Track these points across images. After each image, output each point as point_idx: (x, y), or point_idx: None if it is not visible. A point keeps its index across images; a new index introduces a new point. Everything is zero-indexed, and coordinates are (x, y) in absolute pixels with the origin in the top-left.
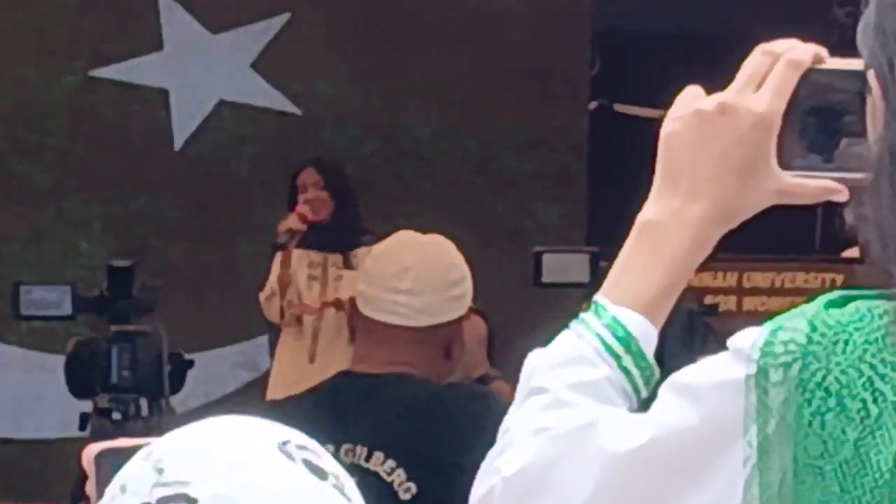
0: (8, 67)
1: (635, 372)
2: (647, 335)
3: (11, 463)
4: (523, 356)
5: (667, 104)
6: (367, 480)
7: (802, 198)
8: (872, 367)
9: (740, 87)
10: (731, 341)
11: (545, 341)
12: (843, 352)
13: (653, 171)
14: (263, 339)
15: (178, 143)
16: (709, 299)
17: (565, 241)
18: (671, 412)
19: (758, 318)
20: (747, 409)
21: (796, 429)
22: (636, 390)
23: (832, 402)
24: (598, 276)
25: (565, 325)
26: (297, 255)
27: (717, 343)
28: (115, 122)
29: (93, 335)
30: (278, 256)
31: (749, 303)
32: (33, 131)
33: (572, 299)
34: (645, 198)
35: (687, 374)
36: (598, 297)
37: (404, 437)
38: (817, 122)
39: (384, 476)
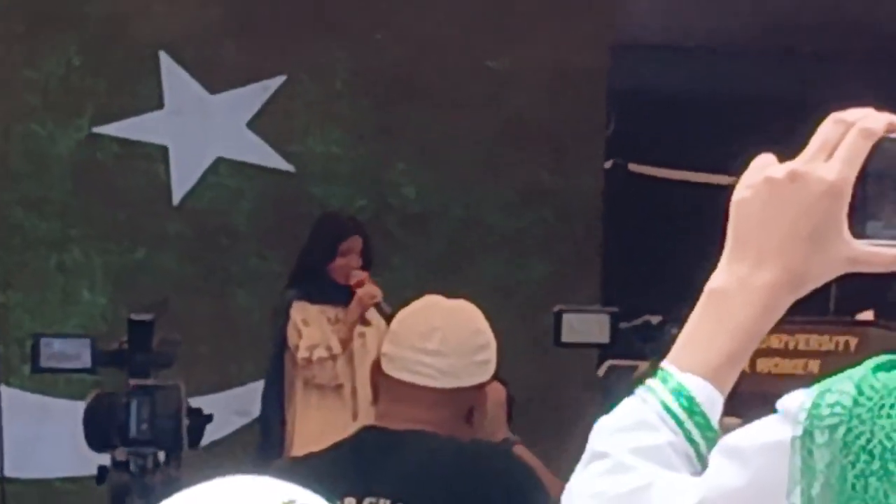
0: (15, 123)
1: (699, 437)
2: (712, 401)
3: None
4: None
5: (682, 164)
6: None
7: (875, 266)
8: None
9: (811, 155)
10: (780, 403)
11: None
12: (889, 416)
13: (667, 231)
14: (255, 385)
15: (176, 198)
16: None
17: (581, 301)
18: (720, 474)
19: (770, 379)
20: (792, 470)
21: (840, 491)
22: (699, 456)
23: (876, 465)
24: (617, 337)
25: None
26: (313, 310)
27: (728, 403)
28: (117, 176)
29: (111, 389)
30: (301, 308)
31: (762, 364)
32: (38, 184)
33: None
34: (662, 258)
35: (735, 436)
36: (665, 363)
37: (428, 490)
38: (890, 191)
39: None
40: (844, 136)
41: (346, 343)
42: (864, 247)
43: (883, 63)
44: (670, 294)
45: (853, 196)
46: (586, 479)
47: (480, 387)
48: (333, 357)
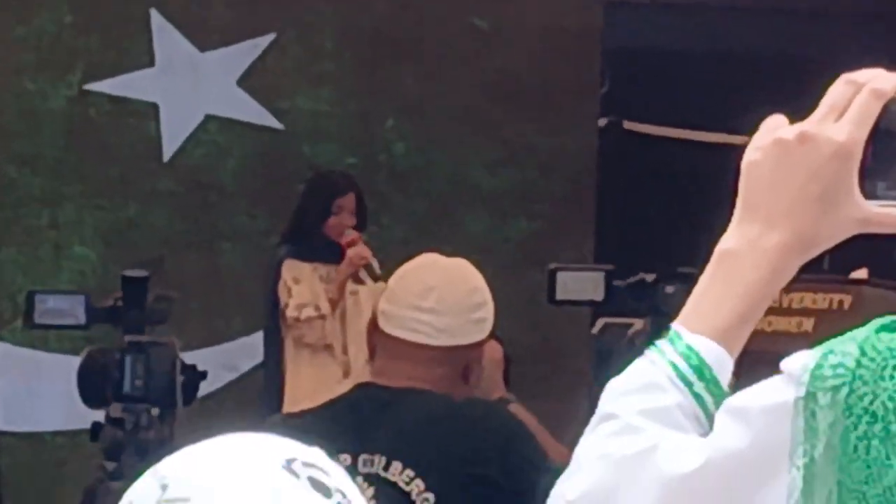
0: (7, 80)
1: (708, 398)
2: (721, 362)
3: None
4: None
5: (677, 122)
6: (386, 490)
7: (887, 227)
8: None
9: (821, 116)
10: (784, 364)
11: None
12: (892, 377)
13: (661, 189)
14: (244, 341)
15: (166, 155)
16: None
17: (575, 259)
18: (724, 435)
19: (764, 337)
20: (795, 431)
21: (842, 453)
22: (708, 416)
23: (878, 427)
24: (612, 295)
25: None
26: (305, 268)
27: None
28: (108, 133)
29: (106, 345)
30: (293, 266)
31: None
32: (30, 141)
33: None
34: (657, 216)
35: (740, 398)
36: (675, 324)
37: (423, 447)
38: None
39: (402, 486)
40: (855, 97)
41: (335, 303)
42: (875, 208)
43: (877, 21)
44: (665, 252)
45: (864, 157)
46: (594, 440)
47: (477, 345)
48: (322, 317)
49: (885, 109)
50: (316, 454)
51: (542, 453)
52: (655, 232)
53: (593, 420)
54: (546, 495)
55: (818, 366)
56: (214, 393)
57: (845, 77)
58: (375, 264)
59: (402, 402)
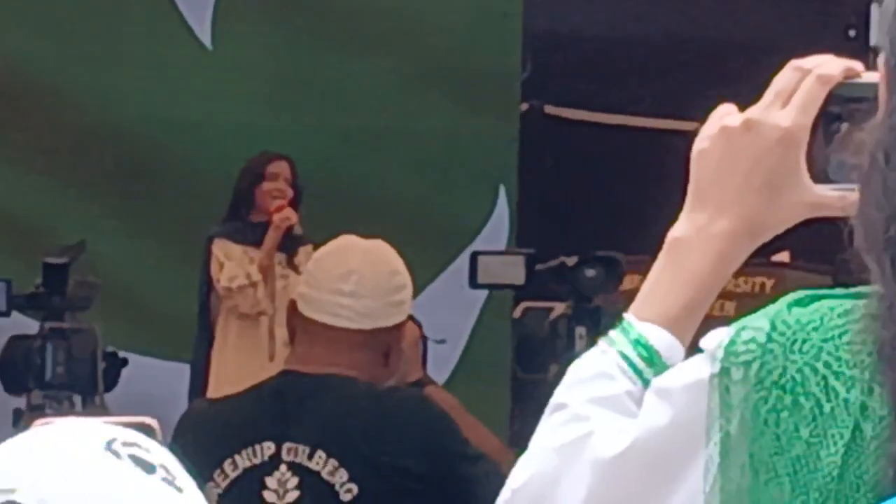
0: None
1: None
2: (672, 348)
3: None
4: None
5: (598, 107)
6: (310, 480)
7: (836, 210)
8: (827, 365)
9: (768, 103)
10: (702, 342)
11: None
12: (801, 350)
13: (582, 173)
14: None
15: None
16: None
17: (495, 243)
18: (649, 415)
19: None
20: (711, 407)
21: (753, 426)
22: None
23: (787, 399)
24: (533, 278)
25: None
26: (235, 248)
27: None
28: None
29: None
30: (223, 245)
31: None
32: None
33: None
34: (578, 200)
35: (664, 378)
36: (626, 314)
37: (347, 437)
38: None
39: (326, 476)
40: (801, 83)
41: (265, 270)
42: (825, 191)
43: (794, 2)
44: (586, 236)
45: (811, 141)
46: (543, 429)
47: (397, 327)
48: (253, 284)
49: (831, 94)
50: (135, 434)
51: (464, 442)
52: (576, 216)
53: (546, 410)
54: (469, 482)
55: (731, 342)
56: None
57: (793, 63)
58: (299, 232)
59: (326, 391)
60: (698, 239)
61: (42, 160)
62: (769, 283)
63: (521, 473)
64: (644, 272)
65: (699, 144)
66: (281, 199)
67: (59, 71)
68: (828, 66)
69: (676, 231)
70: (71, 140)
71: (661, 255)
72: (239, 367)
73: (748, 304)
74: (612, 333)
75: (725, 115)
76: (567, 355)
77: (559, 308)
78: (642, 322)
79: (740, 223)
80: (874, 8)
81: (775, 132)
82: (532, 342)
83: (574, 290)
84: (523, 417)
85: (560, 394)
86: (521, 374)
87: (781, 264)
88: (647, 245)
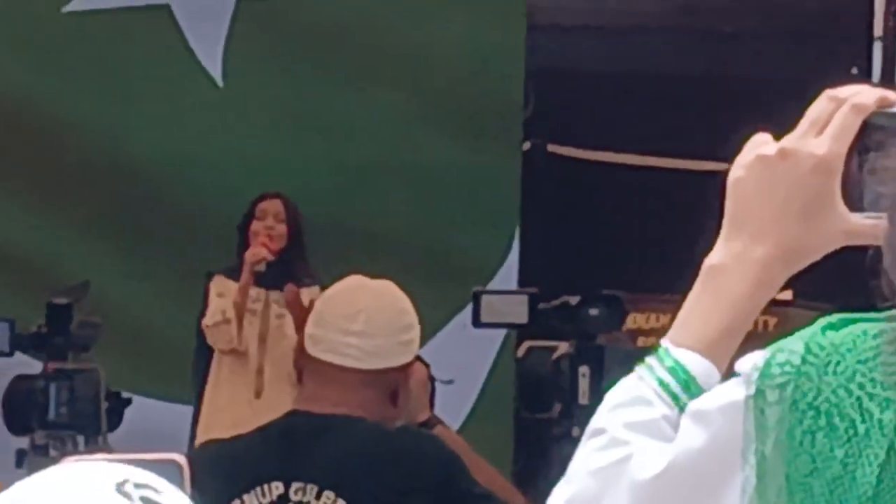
0: None
1: None
2: (708, 374)
3: None
4: None
5: (601, 145)
6: None
7: (870, 238)
8: (861, 386)
9: (803, 132)
10: (737, 365)
11: None
12: (835, 372)
13: (585, 212)
14: None
15: None
16: (641, 341)
17: (498, 282)
18: (685, 437)
19: None
20: (747, 428)
21: (788, 447)
22: None
23: (822, 421)
24: (536, 317)
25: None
26: (232, 284)
27: None
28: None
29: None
30: (219, 282)
31: None
32: None
33: None
34: (581, 239)
35: (700, 400)
36: (664, 340)
37: (356, 478)
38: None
39: None
40: (835, 112)
41: (238, 306)
42: (859, 220)
43: (797, 40)
44: (589, 275)
45: (846, 170)
46: (582, 454)
47: (405, 367)
48: (227, 321)
49: (866, 124)
50: (148, 476)
51: (473, 483)
52: (579, 255)
53: (584, 435)
54: None
55: (767, 364)
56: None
57: (828, 93)
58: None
59: (335, 430)
60: (735, 266)
61: (46, 198)
62: (772, 322)
63: (560, 497)
64: (647, 311)
65: (735, 173)
66: (264, 238)
67: (65, 107)
68: (862, 96)
69: (713, 258)
70: (76, 178)
71: (697, 283)
72: (229, 402)
73: (751, 342)
74: (649, 359)
75: (761, 143)
76: (570, 394)
77: (563, 347)
78: (679, 348)
79: (777, 250)
80: (876, 46)
81: (810, 160)
82: (535, 381)
83: (577, 329)
84: (527, 456)
85: (598, 419)
86: (525, 413)
87: (784, 303)
88: (650, 284)
